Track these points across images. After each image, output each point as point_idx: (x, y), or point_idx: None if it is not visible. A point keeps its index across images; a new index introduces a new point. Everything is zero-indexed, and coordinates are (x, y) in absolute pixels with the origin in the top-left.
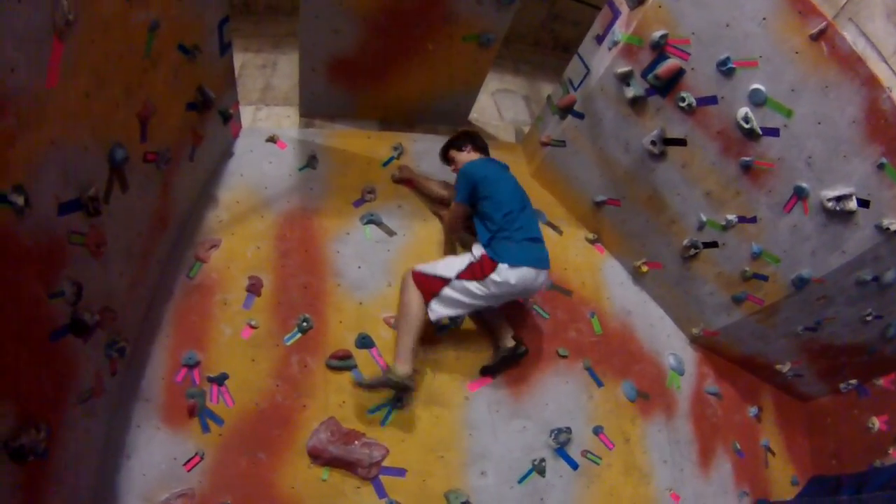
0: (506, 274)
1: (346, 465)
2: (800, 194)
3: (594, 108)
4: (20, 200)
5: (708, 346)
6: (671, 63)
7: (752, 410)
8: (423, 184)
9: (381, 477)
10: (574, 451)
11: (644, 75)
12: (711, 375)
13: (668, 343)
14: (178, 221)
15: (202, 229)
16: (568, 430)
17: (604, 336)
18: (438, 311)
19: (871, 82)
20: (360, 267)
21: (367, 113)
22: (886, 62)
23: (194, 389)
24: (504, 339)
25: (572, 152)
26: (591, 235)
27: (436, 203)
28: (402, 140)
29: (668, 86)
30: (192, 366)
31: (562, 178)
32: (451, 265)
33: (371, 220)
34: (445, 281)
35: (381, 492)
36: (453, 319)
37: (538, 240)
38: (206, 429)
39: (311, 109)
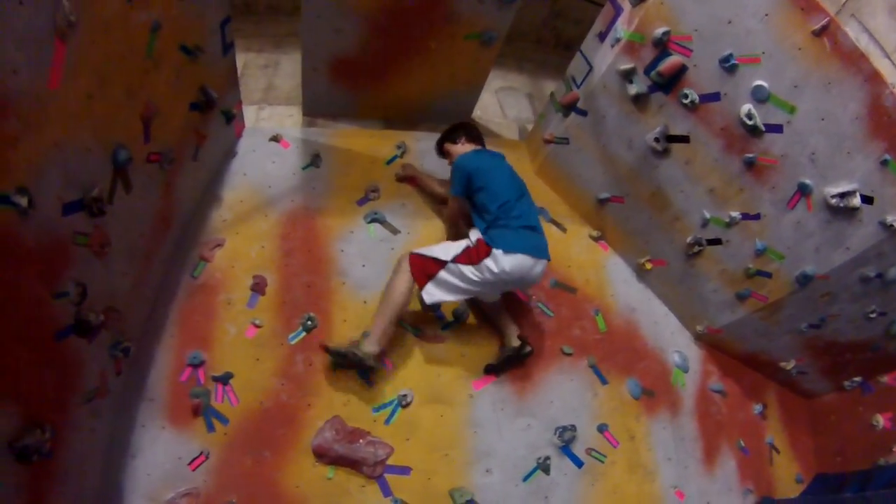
0: (501, 260)
1: (351, 463)
2: (803, 191)
3: (597, 105)
4: (24, 201)
5: (712, 344)
6: (674, 60)
7: (757, 408)
8: (427, 182)
9: (386, 475)
10: (579, 449)
11: (647, 72)
12: (716, 373)
13: (673, 340)
14: (181, 221)
15: (206, 229)
16: (573, 427)
17: (608, 333)
18: (434, 294)
19: (874, 78)
20: (364, 265)
21: (370, 112)
22: (889, 58)
23: (199, 389)
24: (509, 339)
25: (575, 150)
26: (594, 233)
27: (439, 201)
28: (406, 138)
29: (670, 83)
30: (196, 365)
31: (565, 176)
32: (448, 249)
33: (375, 219)
34: (441, 263)
35: (386, 490)
36: (458, 317)
37: (536, 228)
38: (210, 428)
39: (314, 109)
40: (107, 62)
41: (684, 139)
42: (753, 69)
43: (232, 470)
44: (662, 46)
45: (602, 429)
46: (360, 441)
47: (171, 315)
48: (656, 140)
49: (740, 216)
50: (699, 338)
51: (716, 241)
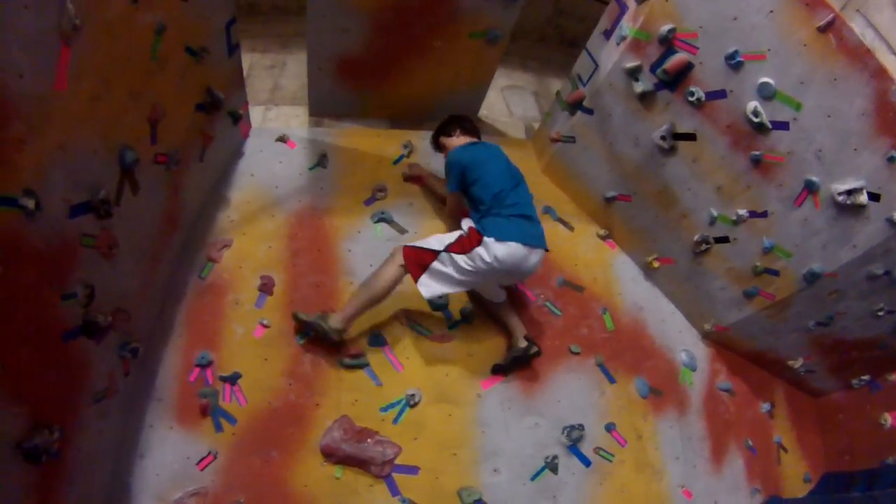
0: (493, 248)
1: (359, 463)
2: (810, 188)
3: (603, 103)
4: (30, 204)
5: (720, 342)
6: (679, 57)
7: (765, 406)
8: (433, 181)
9: (393, 475)
10: (586, 448)
11: (652, 70)
12: (724, 371)
13: (680, 339)
14: (189, 222)
15: (213, 229)
16: (580, 426)
17: (616, 332)
18: (430, 286)
19: (880, 74)
20: (371, 265)
21: (377, 111)
22: (895, 54)
23: (207, 389)
24: (516, 339)
25: (582, 148)
26: (602, 231)
27: (443, 201)
28: (412, 138)
29: (676, 80)
30: (204, 365)
31: (572, 174)
32: (441, 239)
33: (382, 219)
34: (435, 254)
35: (394, 490)
36: (466, 317)
37: (531, 217)
38: (219, 428)
39: (321, 109)
40: (112, 64)
41: (691, 137)
42: (759, 66)
43: (240, 469)
44: (668, 44)
45: (610, 428)
46: (369, 440)
47: (179, 315)
48: (663, 138)
49: (747, 214)
50: (707, 336)
51: (723, 239)
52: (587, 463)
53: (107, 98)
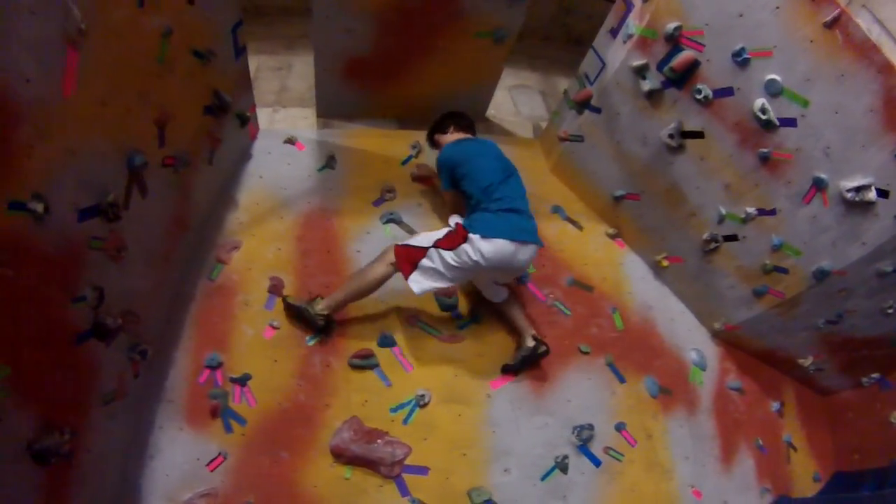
0: (478, 245)
1: (368, 463)
2: (818, 185)
3: (610, 102)
4: (40, 208)
5: (729, 341)
6: (686, 55)
7: (775, 405)
8: None
9: (403, 475)
10: (596, 448)
11: (659, 68)
12: (734, 370)
13: (690, 338)
14: (197, 224)
15: (222, 231)
16: (590, 426)
17: (625, 331)
18: (420, 282)
19: (888, 70)
20: None
21: (384, 112)
22: None
23: (217, 390)
24: (524, 339)
25: (590, 147)
26: (611, 230)
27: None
28: (420, 138)
29: (683, 78)
30: (214, 367)
31: (580, 173)
32: (430, 236)
33: (391, 219)
34: (424, 251)
35: (403, 490)
36: (475, 316)
37: (520, 211)
38: (228, 429)
39: (328, 110)
40: (119, 68)
41: (699, 135)
42: (766, 63)
43: (250, 470)
44: (674, 41)
45: (620, 427)
46: (378, 441)
47: (188, 317)
48: (671, 136)
49: (756, 211)
50: (716, 335)
51: (732, 238)
52: (597, 463)
53: (114, 102)
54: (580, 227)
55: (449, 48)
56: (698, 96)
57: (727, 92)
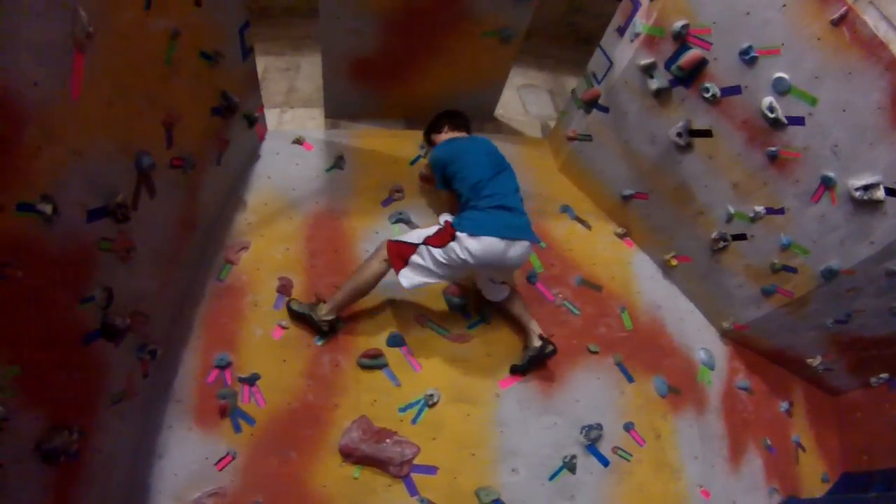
0: (466, 243)
1: (377, 463)
2: (827, 184)
3: (619, 101)
4: (48, 209)
5: (738, 340)
6: (693, 53)
7: (783, 405)
8: None
9: (412, 475)
10: (605, 448)
11: (667, 66)
12: (742, 370)
13: (699, 337)
14: (206, 225)
15: (231, 232)
16: (599, 426)
17: (634, 331)
18: (411, 277)
19: (895, 67)
20: None
21: (392, 112)
22: None
23: (226, 390)
24: (531, 339)
25: (598, 146)
26: (619, 230)
27: None
28: None
29: (691, 76)
30: (223, 367)
31: (589, 173)
32: (421, 233)
33: (400, 219)
34: (414, 247)
35: (412, 490)
36: (483, 316)
37: (510, 207)
38: (237, 429)
39: (336, 110)
40: (126, 70)
41: (707, 133)
42: (773, 61)
43: (258, 470)
44: (682, 40)
45: (628, 427)
46: (387, 441)
47: (197, 317)
48: (679, 135)
49: (764, 210)
50: (725, 334)
51: (740, 237)
52: (605, 463)
53: (122, 104)
54: (589, 227)
55: (456, 48)
56: (706, 95)
57: (735, 90)
